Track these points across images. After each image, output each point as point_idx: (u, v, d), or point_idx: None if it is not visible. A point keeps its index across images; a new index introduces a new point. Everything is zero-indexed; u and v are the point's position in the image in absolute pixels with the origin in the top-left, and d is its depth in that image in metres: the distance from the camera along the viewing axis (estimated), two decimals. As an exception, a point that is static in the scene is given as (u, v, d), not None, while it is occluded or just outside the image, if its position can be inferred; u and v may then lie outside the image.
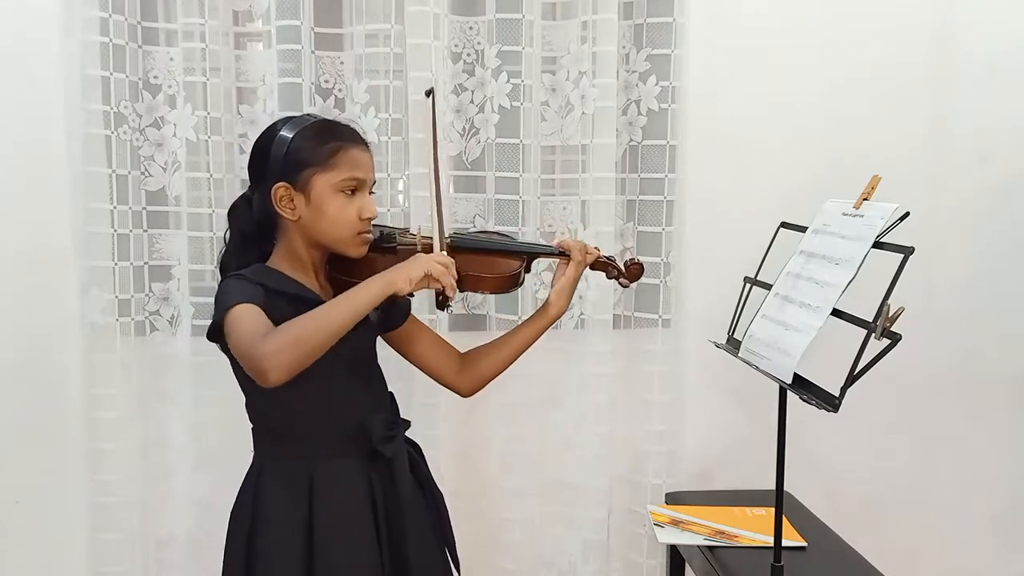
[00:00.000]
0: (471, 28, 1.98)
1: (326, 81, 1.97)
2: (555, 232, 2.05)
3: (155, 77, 1.94)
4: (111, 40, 1.86)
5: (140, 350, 1.98)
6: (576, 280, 1.60)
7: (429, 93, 1.53)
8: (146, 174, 1.96)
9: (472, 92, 1.99)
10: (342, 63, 1.97)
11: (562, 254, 1.60)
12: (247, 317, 1.29)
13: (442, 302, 1.42)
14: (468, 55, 1.99)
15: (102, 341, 1.93)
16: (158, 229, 1.98)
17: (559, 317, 1.61)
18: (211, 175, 1.90)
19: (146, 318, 1.99)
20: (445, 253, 1.44)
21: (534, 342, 1.62)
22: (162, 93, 1.94)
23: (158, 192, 1.97)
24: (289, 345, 1.22)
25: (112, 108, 1.89)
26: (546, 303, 1.61)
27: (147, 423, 1.98)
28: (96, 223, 1.91)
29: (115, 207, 1.91)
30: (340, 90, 1.97)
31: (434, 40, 1.90)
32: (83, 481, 1.96)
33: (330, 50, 1.96)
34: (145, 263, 1.98)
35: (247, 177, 1.48)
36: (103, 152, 1.89)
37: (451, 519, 1.60)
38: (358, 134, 1.47)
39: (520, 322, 1.68)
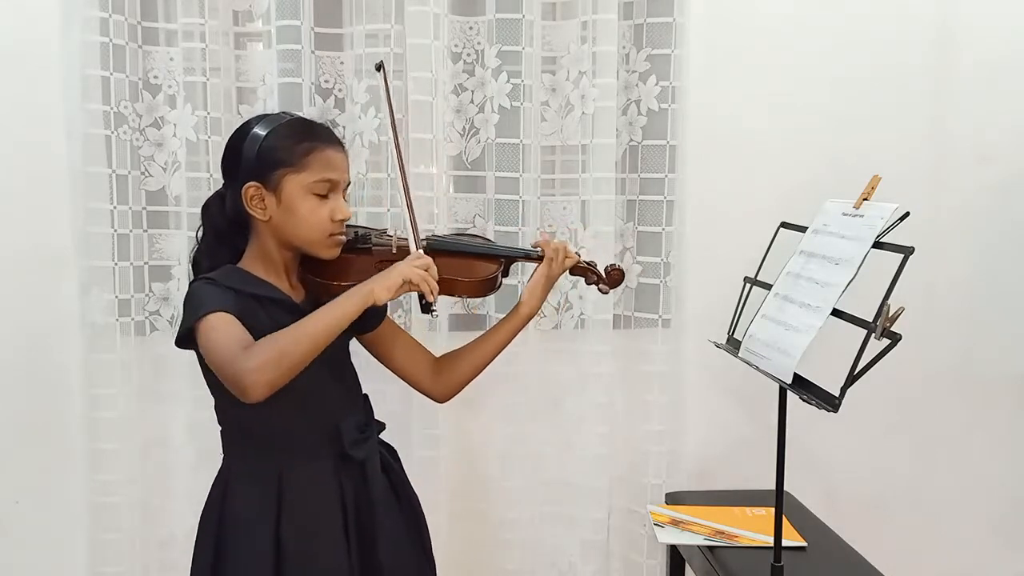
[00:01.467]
0: (471, 28, 1.98)
1: (326, 81, 1.97)
2: (555, 232, 2.05)
3: (155, 77, 1.93)
4: (111, 40, 1.86)
5: (140, 350, 1.97)
6: (550, 281, 1.58)
7: (379, 67, 1.51)
8: (146, 174, 1.96)
9: (472, 92, 1.99)
10: (342, 63, 1.97)
11: (540, 258, 1.58)
12: (223, 328, 1.26)
13: (426, 306, 1.37)
14: (468, 55, 1.99)
15: (102, 341, 1.92)
16: (158, 229, 1.98)
17: (531, 317, 1.59)
18: (211, 175, 1.90)
19: (146, 318, 1.99)
20: (422, 252, 1.40)
21: (508, 344, 1.60)
22: (162, 93, 1.94)
23: (158, 192, 1.97)
24: (272, 361, 1.19)
25: (112, 108, 1.89)
26: (518, 303, 1.59)
27: (147, 423, 1.98)
28: (96, 223, 1.90)
29: (115, 207, 1.91)
30: (340, 90, 1.97)
31: (434, 40, 1.90)
32: (83, 481, 1.96)
33: (330, 50, 1.96)
34: (145, 263, 1.98)
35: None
36: (103, 152, 1.89)
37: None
38: (332, 134, 1.45)
39: (492, 324, 1.66)
